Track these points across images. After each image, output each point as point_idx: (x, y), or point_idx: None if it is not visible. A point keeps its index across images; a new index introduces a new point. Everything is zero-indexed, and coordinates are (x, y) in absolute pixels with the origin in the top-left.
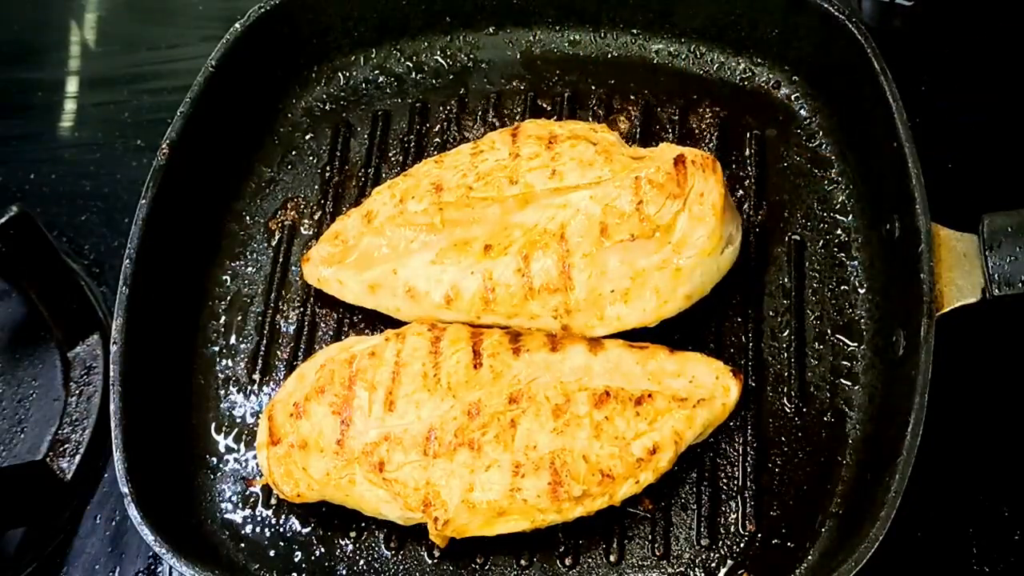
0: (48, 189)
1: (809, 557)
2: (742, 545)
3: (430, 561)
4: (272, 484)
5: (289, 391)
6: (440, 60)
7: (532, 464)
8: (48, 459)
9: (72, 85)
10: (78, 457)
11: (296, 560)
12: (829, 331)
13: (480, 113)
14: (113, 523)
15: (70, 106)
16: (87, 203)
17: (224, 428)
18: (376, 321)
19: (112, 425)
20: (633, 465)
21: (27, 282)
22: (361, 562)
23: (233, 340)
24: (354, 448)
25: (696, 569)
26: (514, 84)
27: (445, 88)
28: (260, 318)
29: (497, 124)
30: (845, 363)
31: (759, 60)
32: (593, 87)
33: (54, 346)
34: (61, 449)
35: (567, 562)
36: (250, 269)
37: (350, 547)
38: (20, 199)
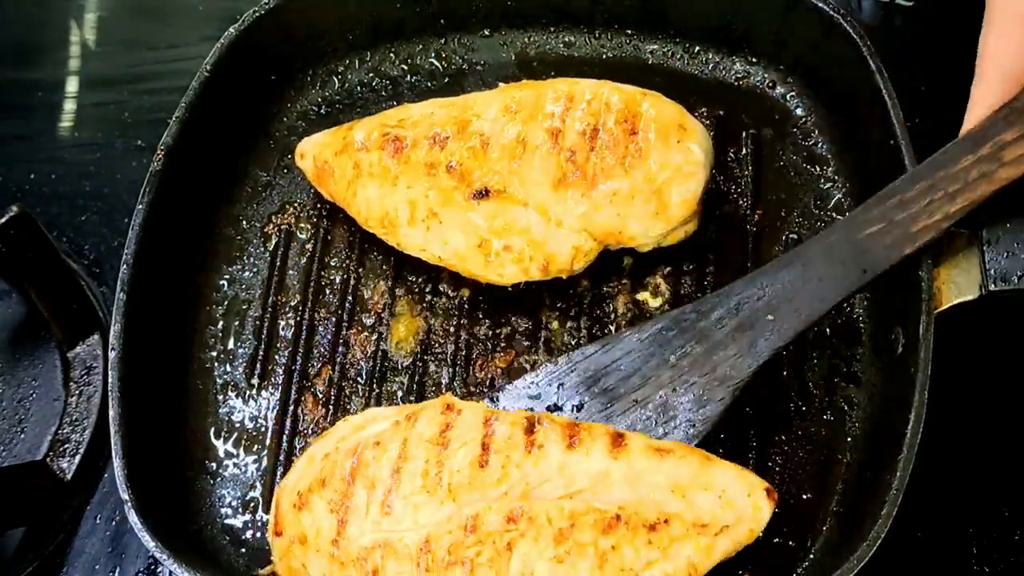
0: (48, 189)
1: (810, 556)
2: None
3: None
4: (277, 574)
5: (296, 477)
6: (435, 63)
7: None
8: (48, 459)
9: (72, 85)
10: (78, 457)
11: None
12: (828, 330)
13: None
14: (113, 523)
15: (70, 106)
16: (87, 203)
17: (223, 433)
18: (377, 327)
19: (111, 430)
20: None
21: (27, 282)
22: None
23: (231, 345)
24: (350, 551)
25: None
26: None
27: (440, 91)
28: (258, 322)
29: None
30: (844, 362)
31: (754, 59)
32: None
33: (54, 346)
34: (61, 449)
35: None
36: (247, 273)
37: None
38: (20, 199)
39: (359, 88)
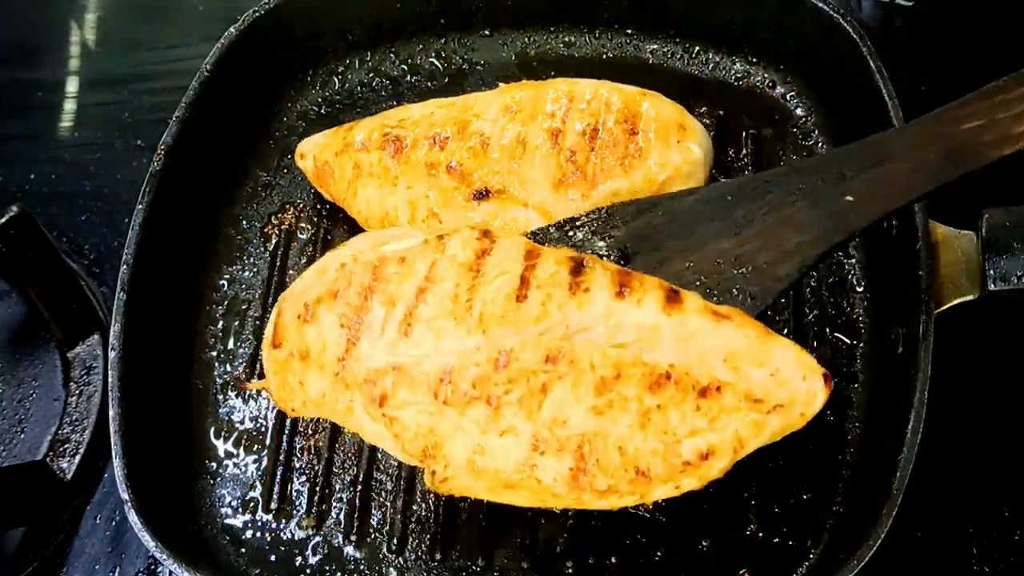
0: (48, 189)
1: (811, 556)
2: (744, 545)
3: (431, 563)
4: (268, 392)
5: (304, 286)
6: (435, 62)
7: (556, 442)
8: (48, 459)
9: (72, 85)
10: (78, 457)
11: (297, 565)
12: (828, 329)
13: None
14: (113, 523)
15: (70, 106)
16: (87, 203)
17: (223, 433)
18: None
19: (111, 431)
20: (677, 468)
21: (27, 282)
22: (362, 566)
23: (231, 344)
24: (357, 372)
25: (698, 570)
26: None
27: (440, 91)
28: (258, 322)
29: None
30: (844, 361)
31: (754, 59)
32: None
33: (54, 346)
34: (61, 449)
35: (568, 565)
36: (247, 273)
37: (350, 551)
38: (20, 199)
39: (359, 88)
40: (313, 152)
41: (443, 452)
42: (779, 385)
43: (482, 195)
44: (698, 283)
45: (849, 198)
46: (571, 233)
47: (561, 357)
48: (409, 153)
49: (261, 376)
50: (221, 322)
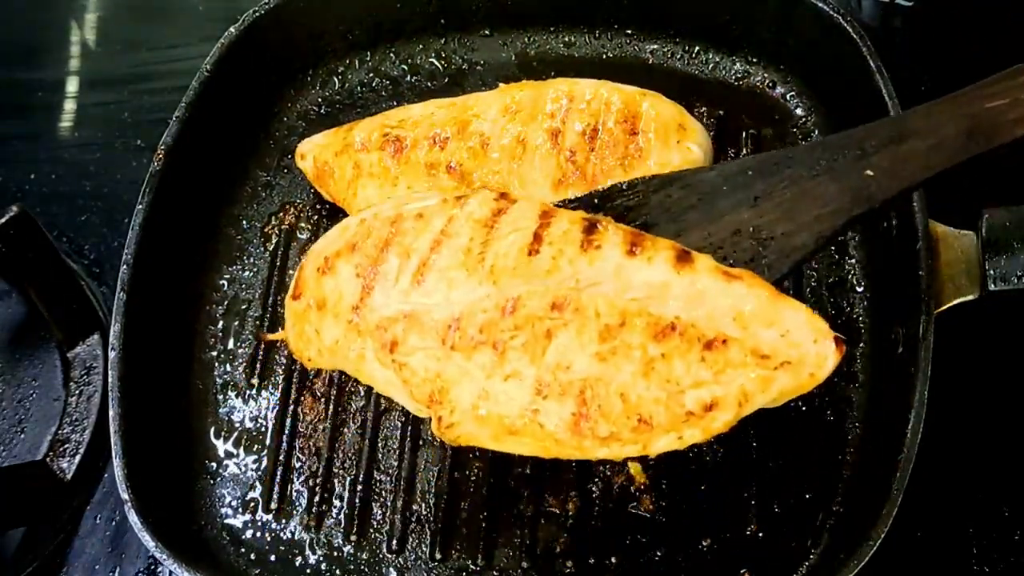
0: (48, 189)
1: (811, 556)
2: (744, 545)
3: (431, 563)
4: (286, 342)
5: (327, 242)
6: (435, 62)
7: (559, 387)
8: (48, 459)
9: (72, 85)
10: (78, 457)
11: (297, 565)
12: None
13: None
14: (113, 523)
15: (70, 106)
16: (87, 203)
17: (223, 433)
18: None
19: (111, 431)
20: (680, 418)
21: (27, 282)
22: (362, 565)
23: (231, 345)
24: (369, 320)
25: (698, 570)
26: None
27: (440, 91)
28: (258, 322)
29: None
30: (844, 362)
31: (754, 59)
32: None
33: (54, 346)
34: (61, 449)
35: (568, 565)
36: (247, 273)
37: (349, 550)
38: (20, 199)
39: (359, 88)
40: (313, 152)
41: (449, 397)
42: (789, 345)
43: None
44: (715, 252)
45: (870, 173)
46: (591, 202)
47: (567, 305)
48: (409, 153)
49: (262, 377)
50: (221, 322)
